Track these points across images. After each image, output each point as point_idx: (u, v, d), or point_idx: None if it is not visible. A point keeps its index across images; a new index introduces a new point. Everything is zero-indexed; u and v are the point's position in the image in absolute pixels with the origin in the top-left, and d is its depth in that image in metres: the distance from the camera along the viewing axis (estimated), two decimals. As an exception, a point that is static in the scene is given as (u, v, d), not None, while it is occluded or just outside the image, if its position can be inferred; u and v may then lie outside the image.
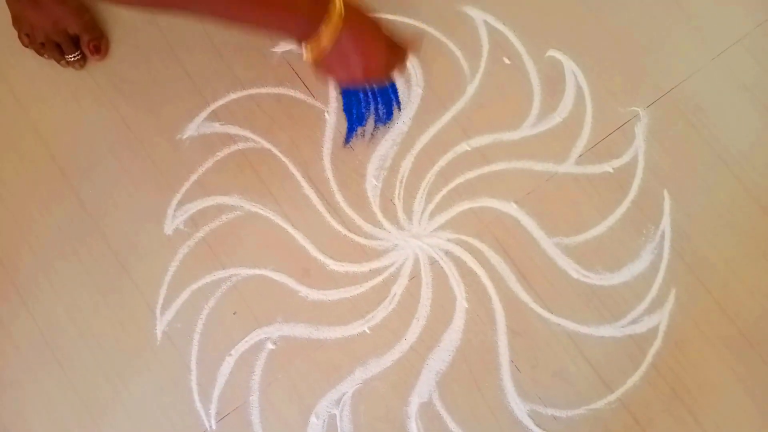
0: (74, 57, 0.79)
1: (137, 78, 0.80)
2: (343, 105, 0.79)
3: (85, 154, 0.79)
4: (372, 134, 0.78)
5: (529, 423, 0.71)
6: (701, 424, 0.71)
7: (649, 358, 0.72)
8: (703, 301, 0.74)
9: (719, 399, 0.72)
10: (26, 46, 0.81)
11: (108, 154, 0.79)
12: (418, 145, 0.78)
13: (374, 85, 0.77)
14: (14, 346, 0.74)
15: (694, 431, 0.71)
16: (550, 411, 0.71)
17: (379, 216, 0.76)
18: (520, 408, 0.71)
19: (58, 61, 0.80)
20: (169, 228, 0.76)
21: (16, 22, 0.80)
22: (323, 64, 0.64)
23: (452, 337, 0.73)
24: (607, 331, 0.73)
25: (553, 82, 0.80)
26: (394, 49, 0.68)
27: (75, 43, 0.80)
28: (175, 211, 0.77)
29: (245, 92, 0.80)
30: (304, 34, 0.60)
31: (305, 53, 0.62)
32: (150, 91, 0.80)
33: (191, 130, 0.79)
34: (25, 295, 0.75)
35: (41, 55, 0.81)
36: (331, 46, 0.61)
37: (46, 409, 0.73)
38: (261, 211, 0.77)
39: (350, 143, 0.78)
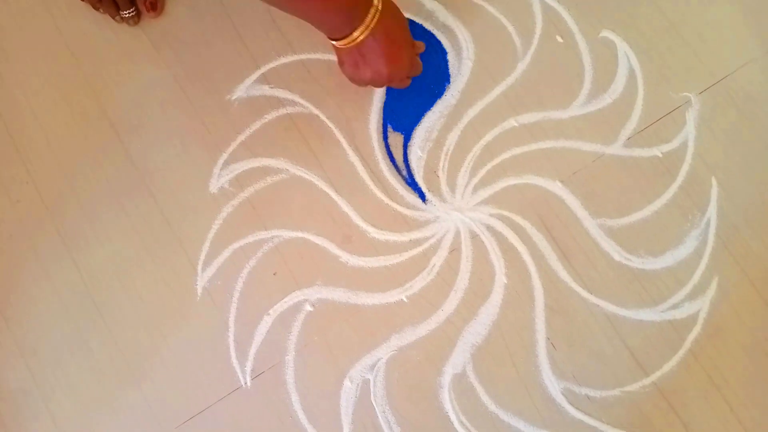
0: (129, 13, 0.80)
1: (190, 38, 0.81)
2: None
3: (136, 110, 0.80)
4: (419, 105, 0.78)
5: (562, 401, 0.71)
6: (737, 414, 0.70)
7: (687, 344, 0.72)
8: (745, 292, 0.73)
9: (757, 391, 0.71)
10: (83, 0, 0.82)
11: (158, 111, 0.79)
12: (466, 119, 0.78)
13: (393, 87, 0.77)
14: (56, 293, 0.76)
15: (729, 420, 0.70)
16: (584, 390, 0.71)
17: (423, 187, 0.77)
18: (554, 385, 0.71)
19: (113, 17, 0.81)
20: (214, 186, 0.77)
21: (75, -24, 0.81)
22: (348, 63, 0.68)
23: (489, 311, 0.73)
24: (646, 315, 0.72)
25: (605, 63, 0.79)
26: (415, 53, 0.71)
27: (131, -1, 0.80)
28: (221, 170, 0.77)
29: (296, 57, 0.80)
30: (340, 34, 0.64)
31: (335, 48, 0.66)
32: (202, 52, 0.81)
33: (241, 91, 0.79)
34: (70, 244, 0.77)
35: (97, 9, 0.81)
36: (358, 47, 0.65)
37: (85, 358, 0.74)
38: (305, 176, 0.77)
39: (396, 114, 0.78)
